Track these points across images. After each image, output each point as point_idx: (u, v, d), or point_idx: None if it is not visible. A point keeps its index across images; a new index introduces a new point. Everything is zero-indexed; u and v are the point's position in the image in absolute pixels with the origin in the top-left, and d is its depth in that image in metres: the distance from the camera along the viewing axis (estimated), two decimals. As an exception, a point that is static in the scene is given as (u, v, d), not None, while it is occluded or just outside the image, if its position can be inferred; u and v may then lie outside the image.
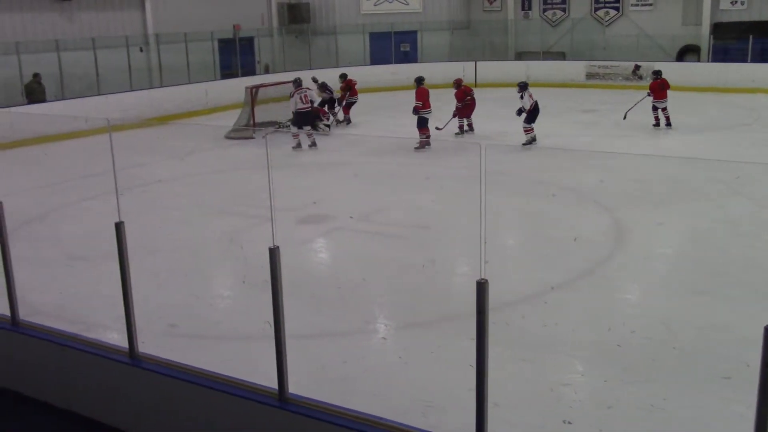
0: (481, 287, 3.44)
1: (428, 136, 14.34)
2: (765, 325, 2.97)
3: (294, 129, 14.99)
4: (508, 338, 5.98)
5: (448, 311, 6.68)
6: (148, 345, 4.98)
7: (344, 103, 17.85)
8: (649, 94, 16.18)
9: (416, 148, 14.09)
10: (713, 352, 5.82)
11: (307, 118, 15.07)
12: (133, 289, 4.74)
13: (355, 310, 6.94)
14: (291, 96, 14.98)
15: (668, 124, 16.08)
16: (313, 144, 14.85)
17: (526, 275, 7.67)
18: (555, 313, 6.63)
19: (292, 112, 15.05)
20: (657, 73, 16.41)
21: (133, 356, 4.76)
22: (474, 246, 3.45)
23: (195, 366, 4.65)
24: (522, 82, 14.93)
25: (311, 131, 14.98)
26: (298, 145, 14.67)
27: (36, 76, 17.42)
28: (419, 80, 14.95)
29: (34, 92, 17.33)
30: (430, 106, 14.58)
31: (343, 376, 5.63)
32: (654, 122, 16.18)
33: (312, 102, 15.29)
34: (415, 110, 14.47)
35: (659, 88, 16.02)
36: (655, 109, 16.09)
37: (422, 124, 14.49)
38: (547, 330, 6.29)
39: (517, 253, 8.73)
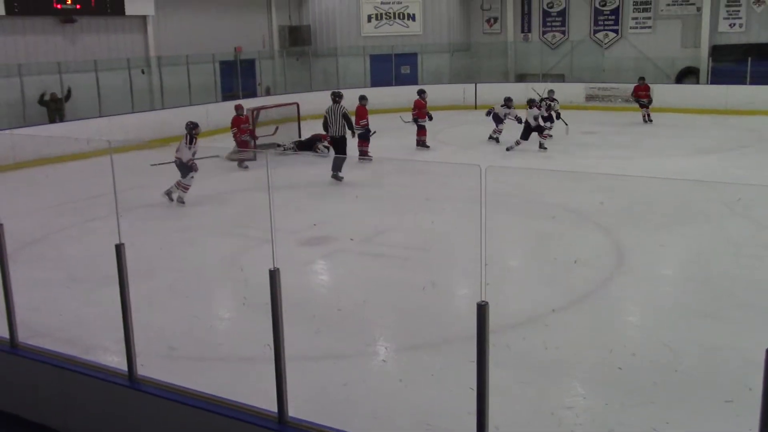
0: (482, 309, 3.43)
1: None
2: (767, 348, 2.96)
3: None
4: (509, 361, 5.96)
5: (449, 333, 6.66)
6: (148, 368, 4.96)
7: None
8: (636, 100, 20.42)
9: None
10: (715, 375, 5.80)
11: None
12: (133, 311, 4.73)
13: (355, 332, 6.92)
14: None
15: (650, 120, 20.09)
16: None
17: (527, 297, 7.66)
18: (556, 336, 6.60)
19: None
20: (641, 79, 20.69)
21: (132, 379, 4.74)
22: (475, 268, 3.44)
23: (195, 389, 4.63)
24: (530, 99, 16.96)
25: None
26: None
27: (53, 94, 17.74)
28: (362, 98, 15.69)
29: (53, 108, 17.62)
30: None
31: (344, 398, 5.60)
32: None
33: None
34: (361, 127, 15.22)
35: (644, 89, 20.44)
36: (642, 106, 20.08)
37: (364, 138, 15.35)
38: (548, 353, 6.27)
39: (518, 275, 8.72)
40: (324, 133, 17.28)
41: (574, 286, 7.88)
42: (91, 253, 9.29)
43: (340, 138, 14.27)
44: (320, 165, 15.38)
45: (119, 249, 4.60)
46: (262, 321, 4.46)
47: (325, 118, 14.40)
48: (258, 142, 16.26)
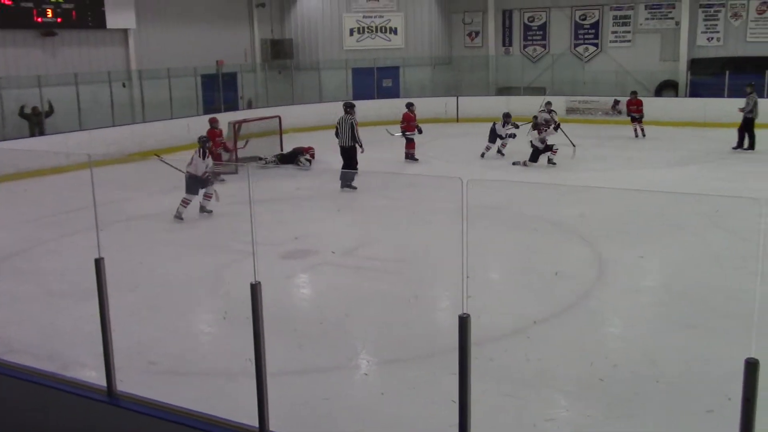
0: (464, 322, 3.43)
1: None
2: (746, 358, 2.97)
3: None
4: (492, 373, 5.95)
5: (431, 346, 6.65)
6: (127, 383, 4.90)
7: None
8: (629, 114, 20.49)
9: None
10: (697, 386, 5.82)
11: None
12: (113, 325, 4.68)
13: (337, 345, 6.89)
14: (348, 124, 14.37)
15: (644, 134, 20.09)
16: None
17: (508, 309, 7.66)
18: (538, 348, 6.61)
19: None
20: (633, 93, 20.89)
21: (111, 395, 4.68)
22: (457, 281, 3.44)
23: (175, 404, 4.58)
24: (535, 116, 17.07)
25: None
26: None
27: (34, 108, 17.60)
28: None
29: (34, 122, 17.49)
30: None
31: (326, 412, 5.57)
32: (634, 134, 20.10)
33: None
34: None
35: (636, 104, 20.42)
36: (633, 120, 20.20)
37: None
38: (530, 365, 6.27)
39: (499, 288, 8.73)
40: (306, 146, 17.36)
41: (556, 298, 7.90)
42: (70, 267, 9.20)
43: (348, 148, 14.26)
44: (302, 178, 15.37)
45: (99, 263, 4.56)
46: (243, 335, 4.43)
47: (336, 127, 14.47)
48: (233, 155, 16.20)
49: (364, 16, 26.48)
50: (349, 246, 10.16)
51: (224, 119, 18.09)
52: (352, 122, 14.21)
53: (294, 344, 6.75)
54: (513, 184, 14.07)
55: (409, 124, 17.09)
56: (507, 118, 17.39)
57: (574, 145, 16.43)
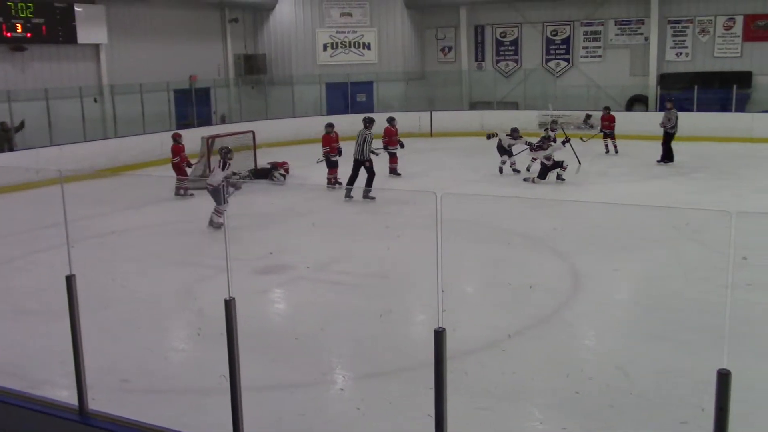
0: (439, 336, 3.43)
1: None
2: (718, 369, 3.01)
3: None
4: (467, 387, 5.95)
5: (407, 361, 6.64)
6: (100, 401, 4.84)
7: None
8: (601, 130, 20.25)
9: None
10: (670, 397, 5.87)
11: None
12: (85, 343, 4.63)
13: (312, 361, 6.85)
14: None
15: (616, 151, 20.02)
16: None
17: (483, 323, 7.68)
18: (513, 361, 6.63)
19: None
20: (606, 109, 20.73)
21: (83, 413, 4.61)
22: (432, 294, 3.45)
23: (148, 422, 4.53)
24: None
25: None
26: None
27: (3, 123, 17.35)
28: (332, 125, 15.75)
29: (3, 138, 17.25)
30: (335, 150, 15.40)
31: (301, 428, 5.53)
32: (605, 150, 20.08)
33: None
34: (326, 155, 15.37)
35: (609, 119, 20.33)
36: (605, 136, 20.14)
37: (333, 166, 15.37)
38: (505, 378, 6.28)
39: (474, 301, 8.75)
40: (280, 161, 17.33)
41: (531, 312, 7.94)
42: (41, 284, 9.07)
43: (360, 161, 14.58)
44: (276, 193, 15.33)
45: (70, 280, 4.50)
46: (218, 351, 4.39)
47: (356, 140, 14.79)
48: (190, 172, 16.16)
49: (337, 32, 26.56)
50: (323, 261, 10.14)
51: (197, 134, 18.06)
52: (365, 137, 14.58)
53: (269, 360, 6.70)
54: (487, 198, 14.13)
55: (391, 138, 17.11)
56: (515, 132, 16.79)
57: (579, 163, 16.13)
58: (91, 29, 20.15)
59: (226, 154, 12.50)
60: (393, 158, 17.12)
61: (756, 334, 6.93)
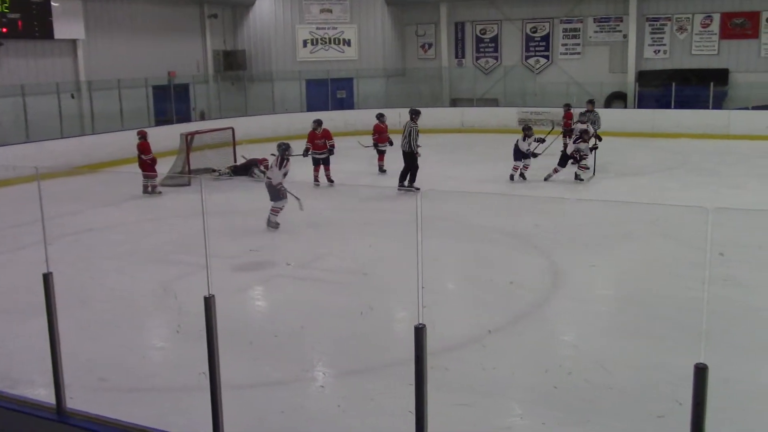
0: (419, 333, 3.43)
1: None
2: (695, 363, 3.04)
3: None
4: (448, 383, 5.97)
5: (388, 358, 6.65)
6: (78, 400, 4.80)
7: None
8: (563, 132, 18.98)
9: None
10: (648, 392, 5.92)
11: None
12: (62, 342, 4.58)
13: (293, 358, 6.84)
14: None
15: None
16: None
17: (464, 319, 7.71)
18: (493, 357, 6.66)
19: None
20: (567, 106, 19.85)
21: (60, 412, 4.57)
22: (412, 291, 3.45)
23: (127, 421, 4.49)
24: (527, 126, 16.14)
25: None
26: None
27: None
28: (320, 122, 15.74)
29: None
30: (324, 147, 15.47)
31: (282, 426, 5.52)
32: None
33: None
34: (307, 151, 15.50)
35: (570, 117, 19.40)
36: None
37: (327, 163, 15.45)
38: (486, 374, 6.31)
39: (455, 298, 8.77)
40: (260, 158, 17.25)
41: (511, 308, 7.97)
42: (18, 283, 8.97)
43: (406, 153, 14.65)
44: (256, 190, 15.25)
45: (47, 278, 4.46)
46: (197, 349, 4.37)
47: (403, 132, 14.88)
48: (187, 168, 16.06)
49: (317, 28, 26.50)
50: (304, 258, 10.12)
51: (176, 131, 17.92)
52: (411, 129, 14.62)
53: (249, 357, 6.68)
54: (468, 194, 14.17)
55: (381, 135, 17.03)
56: (528, 131, 15.68)
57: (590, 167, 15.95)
58: (67, 24, 19.93)
59: (285, 150, 12.08)
60: (381, 155, 17.05)
61: (733, 328, 7.01)
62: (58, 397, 4.56)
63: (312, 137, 15.50)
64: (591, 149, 15.44)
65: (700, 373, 3.02)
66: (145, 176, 14.83)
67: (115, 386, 6.28)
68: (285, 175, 11.93)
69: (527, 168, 15.63)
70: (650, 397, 5.82)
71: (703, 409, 3.04)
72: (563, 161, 15.52)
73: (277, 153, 12.10)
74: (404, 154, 14.71)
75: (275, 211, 11.67)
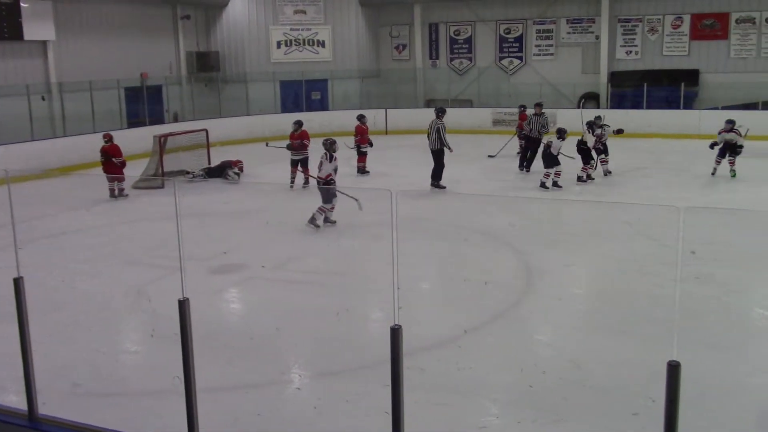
0: (395, 333, 3.43)
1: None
2: (668, 360, 3.06)
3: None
4: (424, 383, 5.98)
5: (364, 358, 6.64)
6: (50, 406, 4.74)
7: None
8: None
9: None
10: (623, 389, 5.97)
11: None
12: (34, 347, 4.52)
13: (268, 360, 6.81)
14: None
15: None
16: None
17: (440, 319, 7.73)
18: (469, 357, 6.68)
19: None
20: (522, 107, 19.56)
21: (32, 419, 4.51)
22: (388, 292, 3.45)
23: (100, 426, 4.45)
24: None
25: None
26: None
27: None
28: (299, 123, 15.65)
29: None
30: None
31: (257, 428, 5.49)
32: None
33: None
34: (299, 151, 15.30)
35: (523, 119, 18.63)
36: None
37: (304, 164, 15.28)
38: (461, 373, 6.33)
39: (430, 298, 8.79)
40: (234, 159, 17.18)
41: (486, 307, 8.00)
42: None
43: (435, 150, 14.69)
44: (230, 192, 15.19)
45: (18, 282, 4.40)
46: (172, 353, 4.34)
47: (428, 131, 14.95)
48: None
49: (291, 29, 26.41)
50: (279, 259, 10.08)
51: (149, 133, 17.77)
52: (438, 127, 14.62)
53: (224, 360, 6.64)
54: (443, 194, 14.22)
55: (363, 136, 17.00)
56: (562, 134, 14.62)
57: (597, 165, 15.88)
58: (38, 25, 19.67)
59: (331, 146, 11.88)
60: (362, 156, 16.99)
61: (705, 325, 7.10)
62: (30, 403, 4.50)
63: (290, 138, 15.47)
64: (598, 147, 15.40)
65: (673, 370, 3.05)
66: (111, 179, 14.54)
67: (88, 391, 6.21)
68: (335, 170, 11.81)
69: (559, 175, 14.62)
70: (624, 394, 5.87)
71: (676, 406, 3.07)
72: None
73: (324, 149, 11.92)
74: (433, 152, 14.78)
75: (322, 210, 11.61)
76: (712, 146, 15.52)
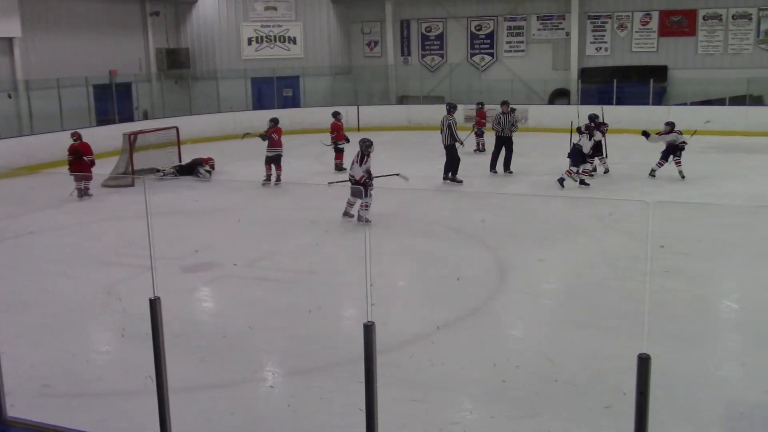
0: (368, 330, 3.43)
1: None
2: (638, 353, 3.10)
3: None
4: (398, 379, 5.98)
5: (337, 356, 6.63)
6: (20, 408, 4.68)
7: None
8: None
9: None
10: (595, 383, 6.03)
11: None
12: (3, 348, 4.47)
13: (241, 359, 6.77)
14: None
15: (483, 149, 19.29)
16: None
17: (412, 316, 7.74)
18: (442, 352, 6.70)
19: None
20: (480, 104, 20.44)
21: (1, 421, 4.45)
22: (361, 289, 3.45)
23: (71, 428, 4.40)
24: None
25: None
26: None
27: None
28: (275, 120, 15.61)
29: None
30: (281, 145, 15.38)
31: (231, 427, 5.46)
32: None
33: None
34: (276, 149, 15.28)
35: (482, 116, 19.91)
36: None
37: (277, 161, 15.24)
38: (435, 369, 6.34)
39: (403, 294, 8.80)
40: (205, 157, 17.07)
41: (459, 303, 8.03)
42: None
43: (447, 146, 14.96)
44: (201, 189, 15.08)
45: (-16, 283, 4.34)
46: (143, 352, 4.30)
47: (440, 126, 15.27)
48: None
49: (262, 26, 26.29)
50: (251, 257, 10.02)
51: (119, 130, 17.59)
52: (450, 123, 14.94)
53: (196, 359, 6.59)
54: (414, 191, 14.23)
55: (339, 133, 17.00)
56: (602, 125, 14.76)
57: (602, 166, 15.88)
58: (3, 22, 19.36)
59: (368, 147, 11.72)
60: (339, 153, 16.97)
61: (674, 318, 7.19)
62: (-1, 405, 4.44)
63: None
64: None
65: (643, 363, 3.08)
66: (77, 178, 14.26)
67: (59, 392, 6.13)
68: (367, 171, 11.70)
69: (587, 173, 14.39)
70: (597, 388, 5.93)
71: (647, 399, 3.11)
72: (666, 154, 15.15)
73: (359, 149, 11.82)
74: (446, 148, 14.96)
75: (366, 206, 11.44)
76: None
